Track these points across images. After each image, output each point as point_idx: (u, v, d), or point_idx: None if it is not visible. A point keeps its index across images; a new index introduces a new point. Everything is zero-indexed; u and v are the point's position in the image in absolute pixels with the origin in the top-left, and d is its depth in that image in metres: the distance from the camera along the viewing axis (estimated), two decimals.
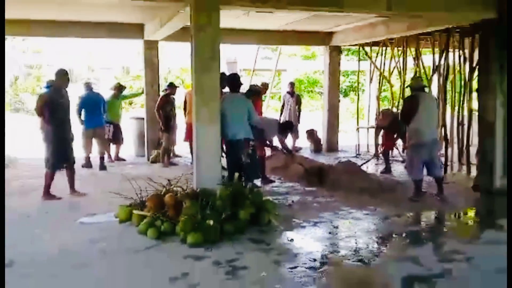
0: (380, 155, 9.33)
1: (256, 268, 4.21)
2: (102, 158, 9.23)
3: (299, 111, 11.53)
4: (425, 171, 6.73)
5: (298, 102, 11.57)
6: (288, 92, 11.64)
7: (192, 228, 4.86)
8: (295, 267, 4.24)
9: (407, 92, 8.49)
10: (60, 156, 6.71)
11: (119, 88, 10.36)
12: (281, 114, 11.45)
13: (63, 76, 6.73)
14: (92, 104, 9.19)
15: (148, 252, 4.68)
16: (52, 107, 6.62)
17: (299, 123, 11.48)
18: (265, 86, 10.71)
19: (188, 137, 9.38)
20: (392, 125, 8.52)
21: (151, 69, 10.32)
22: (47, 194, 6.73)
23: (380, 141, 9.28)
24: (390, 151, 9.43)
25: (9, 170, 8.86)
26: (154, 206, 5.37)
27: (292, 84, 11.85)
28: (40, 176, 7.01)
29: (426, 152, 6.54)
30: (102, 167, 9.13)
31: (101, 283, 3.96)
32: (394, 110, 10.12)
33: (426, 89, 7.58)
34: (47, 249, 4.71)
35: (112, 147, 10.15)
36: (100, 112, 9.34)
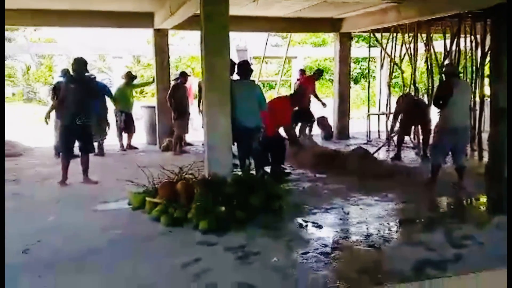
0: (394, 141, 9.29)
1: (267, 253, 4.26)
2: (102, 144, 9.54)
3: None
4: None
5: None
6: (298, 79, 11.62)
7: (204, 214, 4.92)
8: (307, 253, 4.29)
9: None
10: (71, 144, 6.79)
11: (130, 77, 10.43)
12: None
13: (80, 65, 6.81)
14: None
15: (161, 238, 4.75)
16: (66, 95, 6.71)
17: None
18: (318, 72, 11.15)
19: None
20: (411, 111, 8.48)
21: (161, 58, 10.33)
22: (63, 181, 6.85)
23: (396, 126, 9.26)
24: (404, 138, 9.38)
25: (23, 158, 8.99)
26: (166, 194, 5.44)
27: (302, 71, 11.82)
28: (53, 165, 7.13)
29: (454, 138, 6.48)
30: (102, 153, 9.44)
31: (115, 269, 4.03)
32: (412, 95, 10.05)
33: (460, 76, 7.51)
34: (62, 236, 4.79)
35: (124, 135, 10.23)
36: (103, 100, 9.42)
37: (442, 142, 6.60)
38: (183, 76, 9.77)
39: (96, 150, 9.11)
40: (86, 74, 7.06)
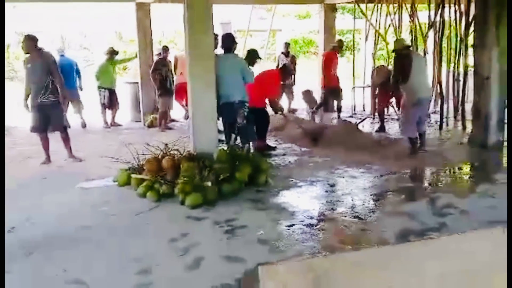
0: (376, 113, 9.34)
1: (254, 226, 4.29)
2: (81, 118, 9.87)
3: (294, 71, 11.45)
4: None
5: (293, 62, 11.48)
6: (282, 53, 11.55)
7: (191, 189, 4.92)
8: (292, 225, 4.33)
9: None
10: (42, 122, 6.70)
11: (112, 53, 10.27)
12: None
13: (25, 41, 6.62)
14: (64, 68, 9.08)
15: (149, 214, 4.75)
16: (26, 72, 6.64)
17: (294, 84, 11.44)
18: (339, 44, 10.51)
19: (179, 96, 9.53)
20: (386, 83, 8.49)
21: (143, 33, 10.18)
22: (46, 160, 6.82)
23: (375, 99, 9.30)
24: (386, 109, 9.44)
25: (6, 138, 8.86)
26: (152, 170, 5.41)
27: (287, 45, 11.73)
28: (36, 144, 7.04)
29: (421, 109, 6.64)
30: (84, 125, 9.83)
31: (104, 244, 4.05)
32: (389, 67, 10.08)
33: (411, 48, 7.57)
34: (49, 214, 4.78)
35: (108, 112, 10.14)
36: (72, 76, 9.56)
37: (411, 115, 6.67)
38: (165, 50, 9.66)
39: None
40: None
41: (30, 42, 6.60)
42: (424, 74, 6.79)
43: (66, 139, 6.92)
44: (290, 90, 11.16)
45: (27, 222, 4.55)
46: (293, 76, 11.25)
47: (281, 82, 7.94)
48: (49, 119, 6.70)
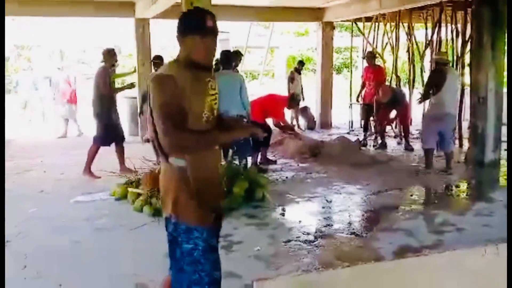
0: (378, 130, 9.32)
1: (250, 242, 4.27)
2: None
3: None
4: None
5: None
6: (296, 69, 11.65)
7: None
8: (289, 241, 4.31)
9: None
10: (111, 133, 6.96)
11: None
12: (288, 92, 11.34)
13: (109, 55, 6.89)
14: None
15: (144, 228, 4.72)
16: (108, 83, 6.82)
17: (303, 100, 11.46)
18: (369, 55, 9.72)
19: None
20: (391, 101, 8.48)
21: (142, 48, 10.23)
22: (88, 170, 6.82)
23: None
24: (386, 127, 9.40)
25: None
26: (149, 184, 5.38)
27: (301, 63, 11.94)
28: (32, 157, 7.02)
29: (441, 124, 6.67)
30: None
31: (98, 259, 4.01)
32: (393, 86, 10.09)
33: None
34: (44, 227, 4.74)
35: None
36: None
37: (431, 128, 6.75)
38: (160, 60, 9.63)
39: None
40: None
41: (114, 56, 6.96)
42: (454, 92, 6.91)
43: (121, 151, 7.09)
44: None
45: (21, 235, 4.52)
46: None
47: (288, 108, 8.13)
48: (116, 133, 6.94)
